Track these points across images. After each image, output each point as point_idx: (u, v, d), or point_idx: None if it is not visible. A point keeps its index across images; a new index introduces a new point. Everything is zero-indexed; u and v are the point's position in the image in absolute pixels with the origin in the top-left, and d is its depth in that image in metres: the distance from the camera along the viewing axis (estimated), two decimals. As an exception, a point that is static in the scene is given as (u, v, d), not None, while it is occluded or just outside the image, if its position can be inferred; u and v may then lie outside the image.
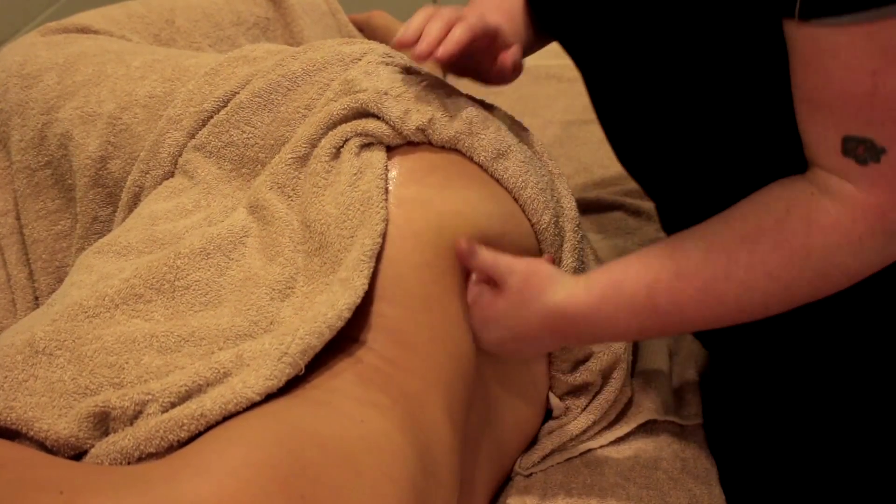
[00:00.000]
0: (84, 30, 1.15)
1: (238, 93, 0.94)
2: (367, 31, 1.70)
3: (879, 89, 0.56)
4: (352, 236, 0.79)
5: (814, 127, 0.64)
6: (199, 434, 0.66)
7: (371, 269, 0.76)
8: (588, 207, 1.37)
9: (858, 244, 0.65)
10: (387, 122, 0.87)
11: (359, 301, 0.74)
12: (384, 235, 0.80)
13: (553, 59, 1.81)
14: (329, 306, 0.73)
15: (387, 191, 0.83)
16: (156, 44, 1.20)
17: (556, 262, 0.91)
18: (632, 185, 1.40)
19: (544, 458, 0.93)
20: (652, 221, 1.34)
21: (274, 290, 0.78)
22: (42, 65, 1.06)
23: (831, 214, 0.65)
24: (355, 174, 0.84)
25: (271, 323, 0.76)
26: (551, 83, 1.72)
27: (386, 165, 0.85)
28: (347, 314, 0.73)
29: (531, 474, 0.92)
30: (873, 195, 0.63)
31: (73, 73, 1.04)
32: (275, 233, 0.82)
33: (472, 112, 0.88)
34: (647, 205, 1.36)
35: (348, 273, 0.76)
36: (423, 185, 0.85)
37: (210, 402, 0.66)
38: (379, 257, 0.79)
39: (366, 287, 0.75)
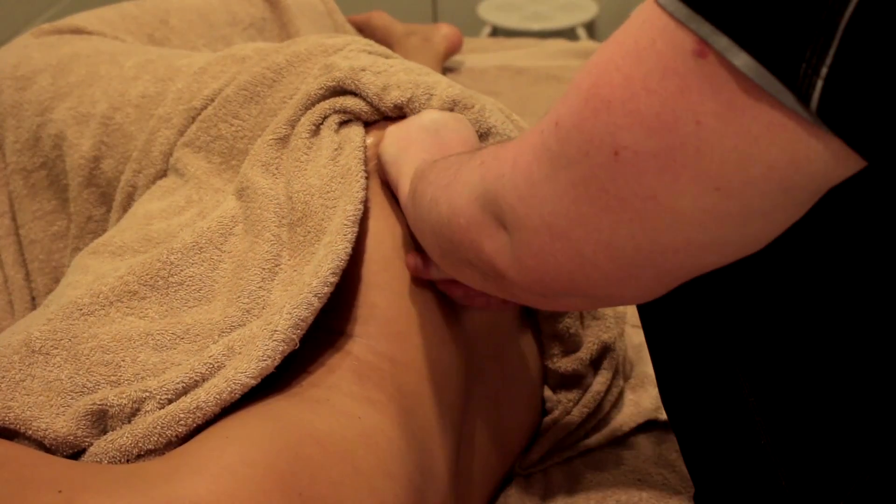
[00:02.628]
0: (77, 31, 1.15)
1: (224, 89, 0.94)
2: (367, 31, 1.71)
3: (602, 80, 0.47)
4: (334, 206, 0.79)
5: None
6: (198, 429, 0.66)
7: (354, 234, 0.76)
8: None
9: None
10: (364, 98, 0.88)
11: (343, 265, 0.74)
12: (367, 210, 0.80)
13: (553, 59, 1.82)
14: (313, 275, 0.73)
15: (366, 163, 0.84)
16: (150, 44, 1.20)
17: None
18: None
19: (543, 457, 0.93)
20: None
21: (263, 269, 0.78)
22: (36, 66, 1.07)
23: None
24: (336, 149, 0.84)
25: (263, 307, 0.76)
26: (551, 83, 1.72)
27: (364, 139, 0.86)
28: (333, 279, 0.72)
29: (531, 474, 0.92)
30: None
31: (66, 75, 1.04)
32: (259, 208, 0.82)
33: (454, 91, 0.88)
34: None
35: (331, 237, 0.76)
36: None
37: (205, 394, 0.66)
38: (366, 239, 0.79)
39: (349, 251, 0.75)
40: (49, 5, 2.09)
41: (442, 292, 0.80)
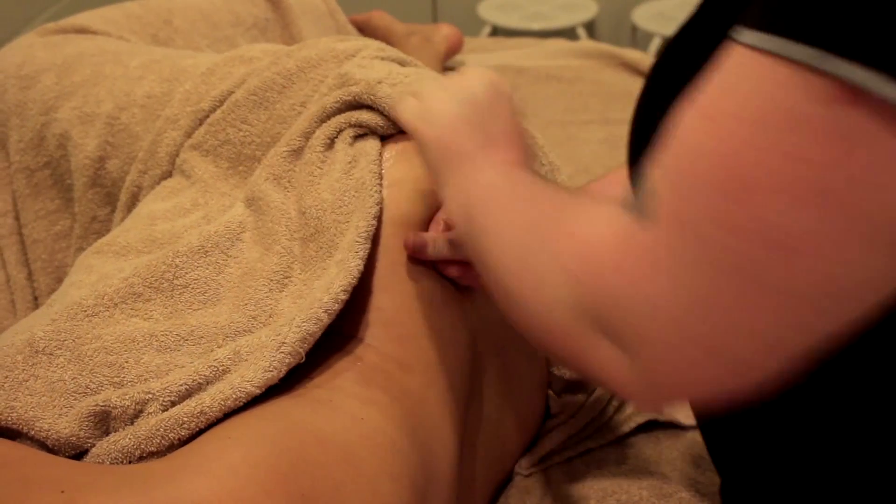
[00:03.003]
0: (82, 30, 1.15)
1: (234, 92, 0.94)
2: (368, 31, 1.71)
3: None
4: (347, 221, 0.79)
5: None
6: (200, 432, 0.66)
7: (367, 251, 0.76)
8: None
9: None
10: (380, 112, 0.87)
11: (354, 282, 0.74)
12: (379, 220, 0.80)
13: (553, 59, 1.82)
14: (324, 291, 0.73)
15: (381, 176, 0.83)
16: (154, 44, 1.20)
17: None
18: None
19: (544, 457, 0.93)
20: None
21: (272, 280, 0.78)
22: (40, 65, 1.06)
23: (603, 224, 0.49)
24: (350, 162, 0.84)
25: (270, 316, 0.76)
26: (551, 83, 1.72)
27: (380, 153, 0.85)
28: (344, 296, 0.73)
29: (531, 474, 0.92)
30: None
31: (71, 74, 1.04)
32: (270, 222, 0.82)
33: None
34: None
35: (343, 255, 0.76)
36: (413, 165, 0.85)
37: (209, 399, 0.66)
38: (374, 245, 0.79)
39: (361, 268, 0.75)
40: (49, 4, 2.09)
41: (445, 295, 0.81)
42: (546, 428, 0.95)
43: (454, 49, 1.77)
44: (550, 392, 0.94)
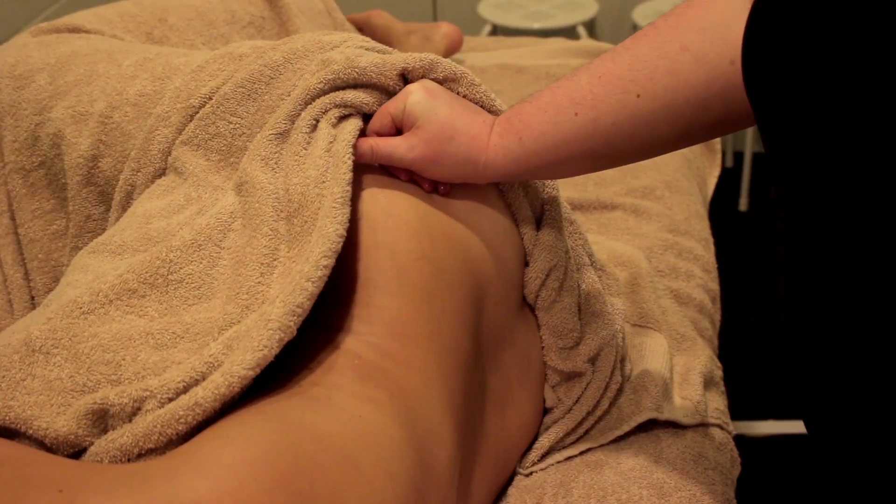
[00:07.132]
0: (75, 30, 1.15)
1: (222, 86, 0.94)
2: (367, 30, 1.71)
3: None
4: (325, 194, 0.79)
5: None
6: (199, 427, 0.66)
7: (345, 216, 0.76)
8: (588, 207, 1.37)
9: None
10: (364, 83, 0.87)
11: (336, 248, 0.73)
12: (384, 223, 0.81)
13: (553, 58, 1.82)
14: (305, 260, 0.72)
15: (356, 147, 0.84)
16: (148, 42, 1.20)
17: (533, 236, 0.92)
18: (632, 184, 1.40)
19: (543, 456, 0.93)
20: (652, 221, 1.33)
21: (262, 264, 0.78)
22: (34, 65, 1.06)
23: None
24: (332, 142, 0.84)
25: (262, 302, 0.75)
26: (551, 82, 1.71)
27: (360, 129, 0.86)
28: (326, 262, 0.72)
29: (531, 473, 0.92)
30: None
31: (64, 73, 1.04)
32: (257, 202, 0.82)
33: (458, 67, 0.88)
34: (647, 204, 1.36)
35: (322, 221, 0.75)
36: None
37: (203, 391, 0.66)
38: (375, 246, 0.79)
39: (340, 233, 0.74)
40: (48, 4, 2.09)
41: (452, 301, 0.80)
42: (544, 425, 0.95)
43: (454, 47, 1.77)
44: (546, 385, 0.94)
